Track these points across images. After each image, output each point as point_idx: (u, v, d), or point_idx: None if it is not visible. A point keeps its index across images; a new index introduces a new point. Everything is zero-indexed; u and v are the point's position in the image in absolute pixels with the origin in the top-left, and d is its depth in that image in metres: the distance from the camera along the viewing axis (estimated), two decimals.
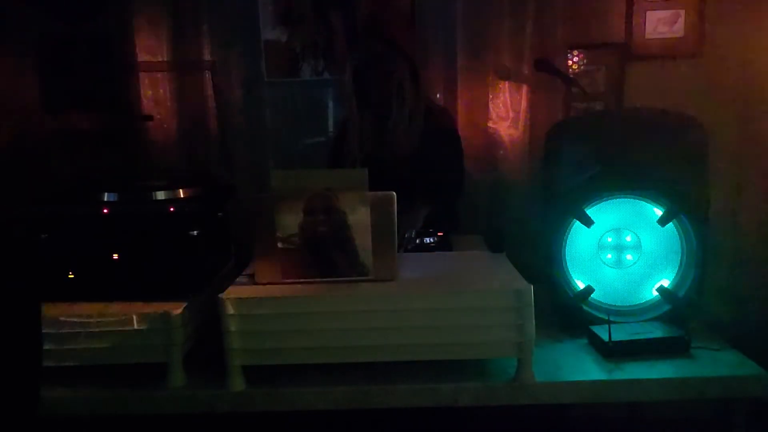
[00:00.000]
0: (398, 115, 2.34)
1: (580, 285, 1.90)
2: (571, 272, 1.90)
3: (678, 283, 1.90)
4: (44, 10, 2.72)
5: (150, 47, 2.76)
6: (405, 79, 2.34)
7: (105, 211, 1.73)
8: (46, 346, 1.28)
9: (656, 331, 1.79)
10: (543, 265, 1.91)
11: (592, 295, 1.88)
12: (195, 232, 1.74)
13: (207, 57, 2.78)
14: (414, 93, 2.37)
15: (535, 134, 2.70)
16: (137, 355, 1.66)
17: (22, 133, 2.75)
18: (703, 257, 1.87)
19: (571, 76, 2.66)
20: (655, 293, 1.91)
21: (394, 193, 1.67)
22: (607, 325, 1.75)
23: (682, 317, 1.85)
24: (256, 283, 1.70)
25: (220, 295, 1.61)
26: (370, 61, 2.38)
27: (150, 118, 2.78)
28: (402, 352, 1.64)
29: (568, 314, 1.90)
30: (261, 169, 2.82)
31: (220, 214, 1.98)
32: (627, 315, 1.90)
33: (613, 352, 1.73)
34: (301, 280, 1.68)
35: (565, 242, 1.89)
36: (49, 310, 1.29)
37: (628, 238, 1.91)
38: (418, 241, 2.13)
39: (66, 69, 2.78)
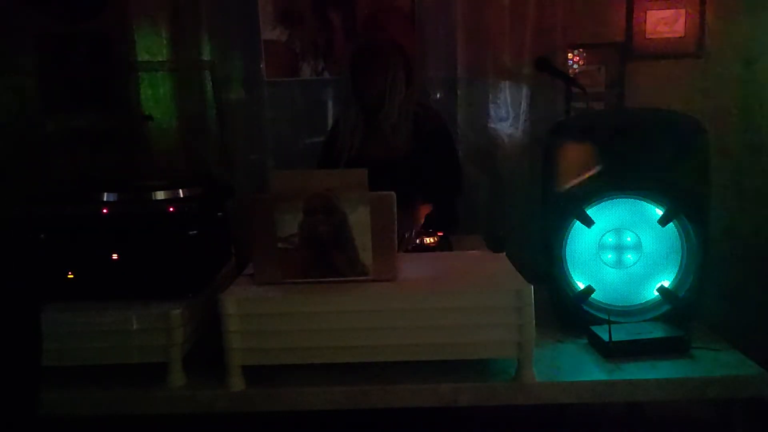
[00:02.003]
0: (389, 109, 2.34)
1: (580, 285, 1.90)
2: (571, 272, 1.90)
3: (678, 283, 1.90)
4: (44, 10, 2.72)
5: (150, 47, 2.76)
6: (399, 74, 2.34)
7: (105, 211, 1.73)
8: (46, 346, 1.27)
9: (656, 331, 1.79)
10: (543, 265, 1.91)
11: (592, 295, 1.88)
12: (195, 232, 1.74)
13: (207, 57, 2.78)
14: (406, 89, 2.36)
15: (535, 134, 2.70)
16: (137, 355, 1.66)
17: (21, 133, 2.75)
18: (703, 257, 1.87)
19: (571, 76, 2.66)
20: (656, 293, 1.91)
21: (394, 193, 1.67)
22: (607, 325, 1.75)
23: (682, 317, 1.85)
24: (256, 283, 1.70)
25: (220, 295, 1.61)
26: (366, 52, 2.38)
27: (150, 118, 2.79)
28: (402, 352, 1.63)
29: (568, 314, 1.90)
30: (261, 169, 2.82)
31: (219, 214, 1.98)
32: (627, 315, 1.90)
33: (614, 353, 1.73)
34: (301, 280, 1.68)
35: (565, 242, 1.89)
36: (49, 310, 1.29)
37: (629, 238, 1.91)
38: (418, 241, 2.13)
39: (65, 69, 2.78)
